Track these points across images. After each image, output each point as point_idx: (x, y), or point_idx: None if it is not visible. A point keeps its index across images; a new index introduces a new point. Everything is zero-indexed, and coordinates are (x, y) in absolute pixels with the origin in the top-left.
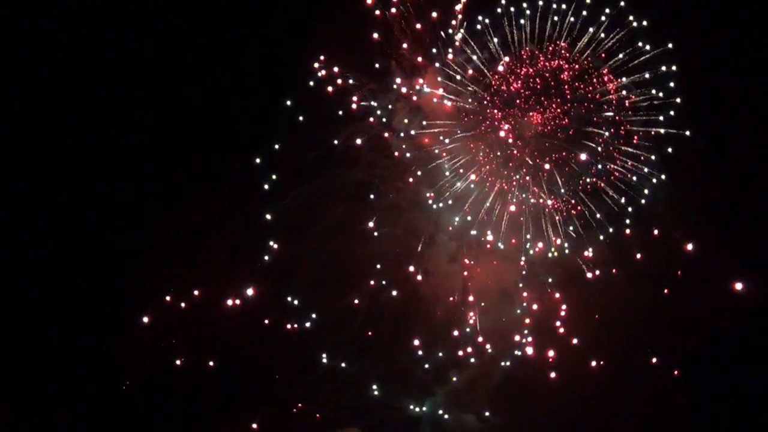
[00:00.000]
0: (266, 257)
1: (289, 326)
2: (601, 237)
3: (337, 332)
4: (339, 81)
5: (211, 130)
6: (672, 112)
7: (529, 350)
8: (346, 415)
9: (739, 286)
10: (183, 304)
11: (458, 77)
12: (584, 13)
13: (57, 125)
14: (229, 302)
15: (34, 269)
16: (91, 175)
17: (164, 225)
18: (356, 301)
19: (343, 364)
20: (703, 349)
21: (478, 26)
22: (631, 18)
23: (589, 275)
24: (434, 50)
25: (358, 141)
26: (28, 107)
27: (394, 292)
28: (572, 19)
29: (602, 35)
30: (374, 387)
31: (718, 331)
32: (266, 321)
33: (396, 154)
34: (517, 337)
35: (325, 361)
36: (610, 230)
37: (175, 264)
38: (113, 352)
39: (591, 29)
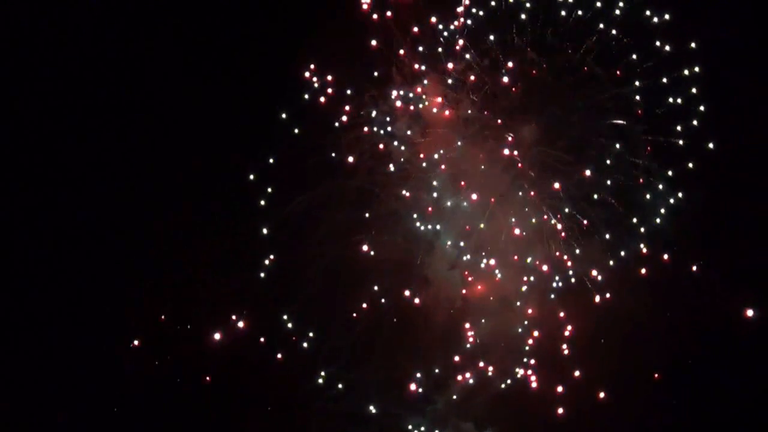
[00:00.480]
0: (262, 274)
1: (281, 352)
2: (611, 262)
3: (336, 341)
4: (338, 89)
5: (207, 138)
6: (695, 122)
7: (533, 378)
8: (344, 423)
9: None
10: (179, 312)
11: (459, 84)
12: (598, 4)
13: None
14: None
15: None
16: (90, 176)
17: (158, 236)
18: (354, 314)
19: (341, 372)
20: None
21: (469, 21)
22: (648, 13)
23: (597, 299)
24: (432, 55)
25: (358, 148)
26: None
27: (394, 319)
28: (580, 13)
29: (614, 32)
30: (372, 394)
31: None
32: (262, 339)
33: (391, 166)
34: (521, 371)
35: (322, 375)
36: (622, 253)
37: (169, 277)
38: (105, 370)
39: (601, 25)
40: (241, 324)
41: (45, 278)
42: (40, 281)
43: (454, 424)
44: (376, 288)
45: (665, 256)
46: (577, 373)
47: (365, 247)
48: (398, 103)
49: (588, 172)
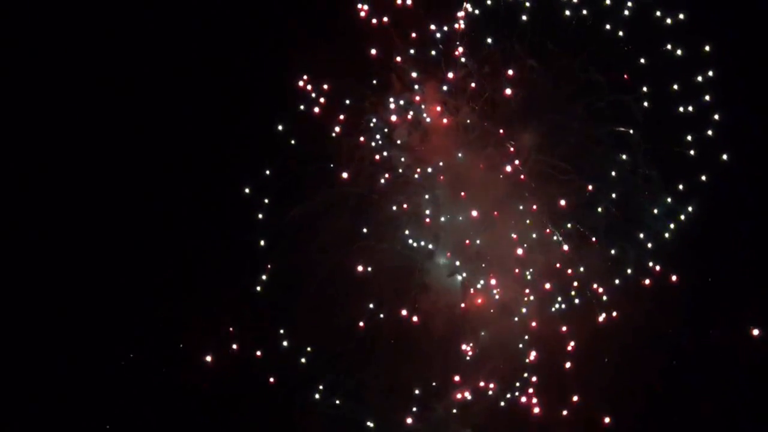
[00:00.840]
0: (258, 287)
1: (279, 365)
2: (617, 281)
3: (334, 350)
4: (335, 98)
5: (203, 150)
6: (710, 132)
7: (534, 401)
8: (345, 428)
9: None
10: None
11: (458, 91)
12: (608, 1)
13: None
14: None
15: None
16: (83, 190)
17: (153, 249)
18: (352, 323)
19: (339, 379)
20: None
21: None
22: (658, 13)
23: (603, 316)
24: (431, 62)
25: (356, 156)
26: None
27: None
28: (585, 12)
29: (621, 34)
30: (371, 402)
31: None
32: (258, 353)
33: (386, 175)
34: (524, 397)
35: (320, 389)
36: (628, 271)
37: (166, 289)
38: (99, 383)
39: (608, 26)
40: (238, 338)
41: (40, 288)
42: (35, 293)
43: (453, 430)
44: (375, 296)
45: (672, 273)
46: (575, 398)
47: (360, 267)
48: (396, 112)
49: (590, 187)
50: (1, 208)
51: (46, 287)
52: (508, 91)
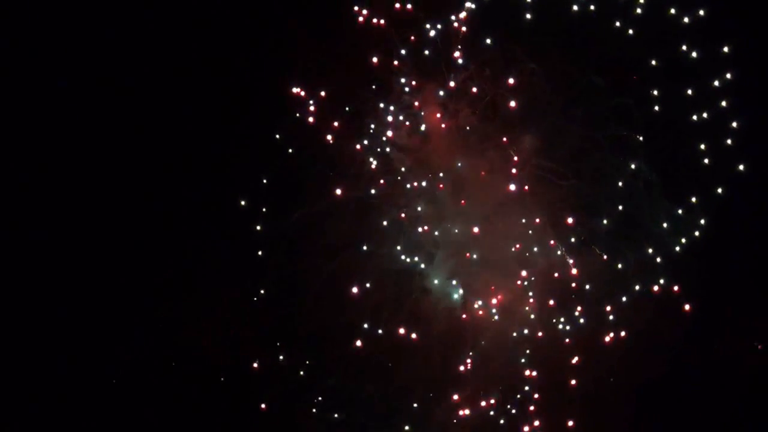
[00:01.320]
0: (257, 293)
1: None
2: (624, 298)
3: (334, 354)
4: (334, 103)
5: (204, 154)
6: (729, 141)
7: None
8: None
9: None
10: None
11: (458, 95)
12: None
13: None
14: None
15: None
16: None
17: (154, 251)
18: (356, 327)
19: (339, 385)
20: None
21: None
22: (672, 11)
23: (608, 338)
24: (431, 65)
25: (356, 160)
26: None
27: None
28: (592, 8)
29: (631, 32)
30: (370, 407)
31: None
32: (255, 365)
33: (385, 180)
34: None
35: (319, 399)
36: (636, 287)
37: (165, 289)
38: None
39: (618, 23)
40: (237, 342)
41: (40, 288)
42: (35, 293)
43: None
44: (374, 302)
45: (681, 289)
46: (578, 414)
47: (360, 273)
48: (396, 116)
49: (595, 196)
50: (1, 208)
51: (46, 287)
52: (513, 104)
